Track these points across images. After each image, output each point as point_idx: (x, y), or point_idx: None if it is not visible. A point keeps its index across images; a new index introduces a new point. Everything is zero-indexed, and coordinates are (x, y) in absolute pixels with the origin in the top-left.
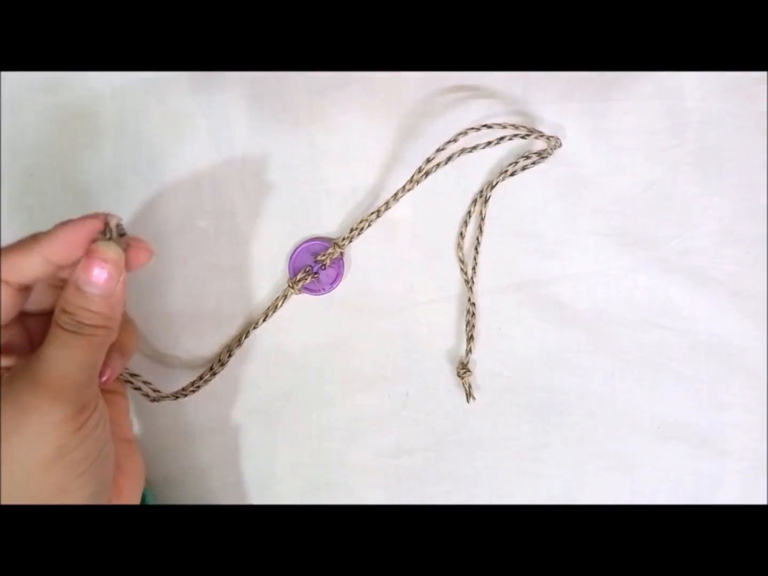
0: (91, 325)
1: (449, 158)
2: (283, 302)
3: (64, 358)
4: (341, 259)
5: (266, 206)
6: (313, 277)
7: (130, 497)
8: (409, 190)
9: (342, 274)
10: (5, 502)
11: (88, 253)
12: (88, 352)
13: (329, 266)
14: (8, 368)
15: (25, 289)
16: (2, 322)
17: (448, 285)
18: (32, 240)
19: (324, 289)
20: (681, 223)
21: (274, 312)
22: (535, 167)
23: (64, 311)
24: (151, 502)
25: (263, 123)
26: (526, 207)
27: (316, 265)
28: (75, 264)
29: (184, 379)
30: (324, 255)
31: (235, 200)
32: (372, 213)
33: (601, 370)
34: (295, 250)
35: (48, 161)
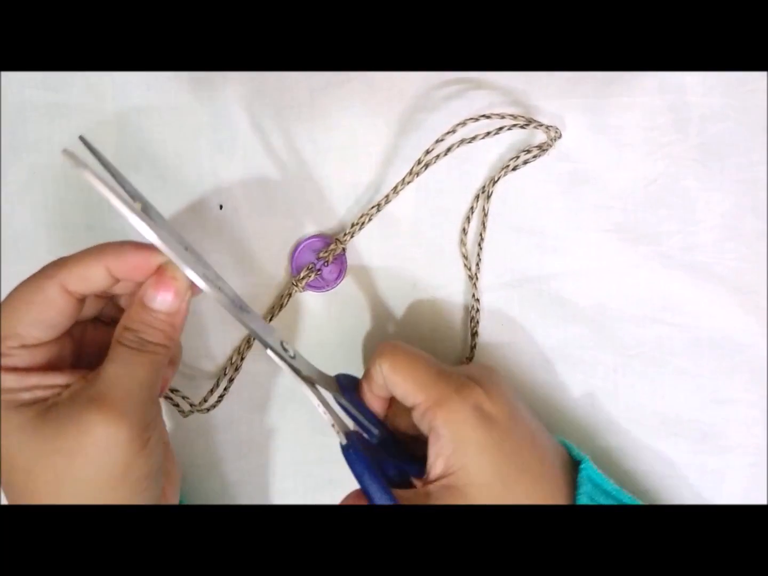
0: (154, 343)
1: (449, 149)
2: (288, 300)
3: (128, 376)
4: (344, 255)
5: (268, 203)
6: (316, 274)
7: (173, 501)
8: (408, 182)
9: (345, 270)
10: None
11: (159, 272)
12: (150, 369)
13: (332, 262)
14: (66, 386)
15: (82, 300)
16: (58, 333)
17: (451, 281)
18: (99, 252)
19: (328, 286)
20: (683, 218)
21: (279, 311)
22: (537, 163)
23: (128, 329)
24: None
25: (265, 120)
26: (528, 203)
27: (318, 262)
28: (136, 280)
29: (189, 383)
30: (326, 251)
31: (237, 198)
32: (372, 207)
33: (603, 366)
34: (297, 248)
35: (49, 159)
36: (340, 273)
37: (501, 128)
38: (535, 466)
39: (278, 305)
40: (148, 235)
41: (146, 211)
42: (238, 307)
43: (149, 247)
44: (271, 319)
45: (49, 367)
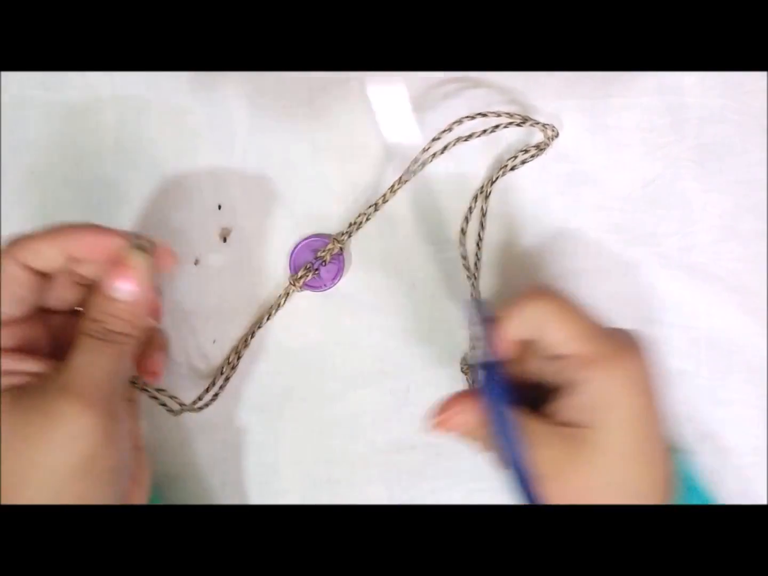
0: (119, 333)
1: (445, 147)
2: (285, 300)
3: (94, 365)
4: (341, 254)
5: (267, 203)
6: (314, 274)
7: (145, 497)
8: (406, 181)
9: (342, 270)
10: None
11: (117, 261)
12: (116, 359)
13: (330, 262)
14: (37, 374)
15: (45, 278)
16: (23, 309)
17: (449, 281)
18: (56, 230)
19: (325, 285)
20: (681, 219)
21: (277, 310)
22: (535, 163)
23: (92, 319)
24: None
25: (264, 120)
26: (526, 203)
27: (316, 262)
28: (95, 261)
29: (187, 382)
30: (324, 251)
31: (236, 197)
32: (370, 207)
33: None
34: (295, 247)
35: (48, 159)
36: (338, 272)
37: (497, 126)
38: (663, 450)
39: (276, 304)
40: None
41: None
42: None
43: (107, 231)
44: (268, 318)
45: (21, 351)
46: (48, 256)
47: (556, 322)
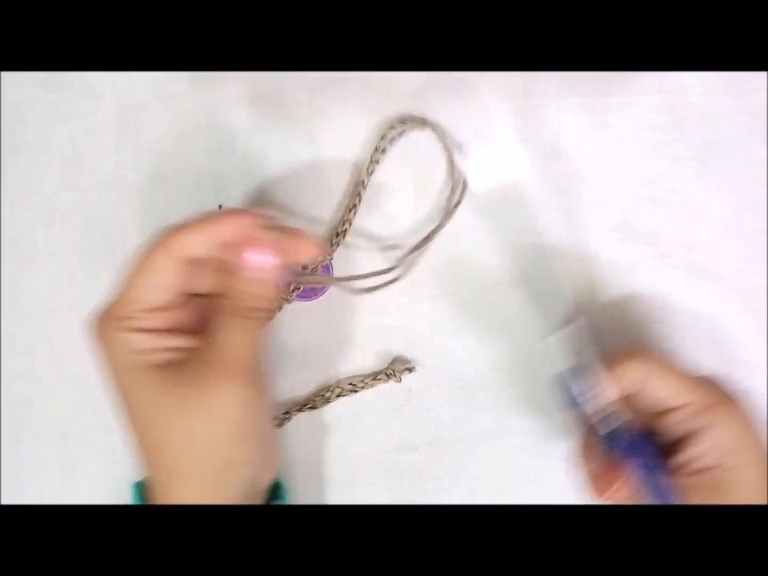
0: (256, 308)
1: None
2: (277, 312)
3: (240, 342)
4: (330, 264)
5: (267, 203)
6: (303, 287)
7: (273, 471)
8: (359, 193)
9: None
10: (186, 471)
11: (250, 241)
12: (254, 333)
13: (319, 271)
14: (184, 349)
15: (191, 266)
16: (173, 296)
17: (449, 281)
18: (205, 220)
19: (315, 295)
20: (682, 217)
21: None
22: (536, 162)
23: (231, 298)
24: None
25: (263, 119)
26: (527, 202)
27: (304, 272)
28: (236, 245)
29: None
30: (314, 264)
31: (236, 197)
32: (350, 210)
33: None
34: None
35: (48, 159)
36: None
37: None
38: None
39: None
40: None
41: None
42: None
43: (243, 212)
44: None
45: (174, 331)
46: (198, 245)
47: (658, 378)
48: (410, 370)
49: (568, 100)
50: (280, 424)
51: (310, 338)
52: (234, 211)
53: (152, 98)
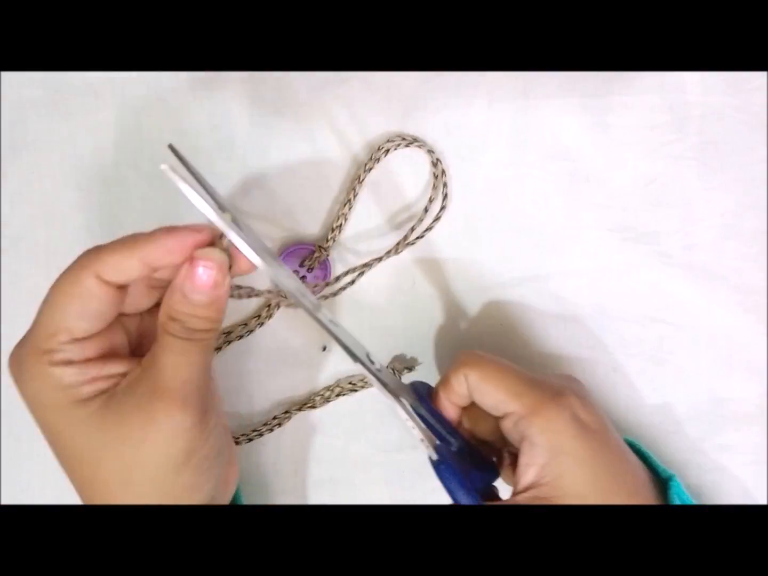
0: (201, 330)
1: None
2: (276, 310)
3: (184, 365)
4: (328, 260)
5: (267, 203)
6: (301, 281)
7: (233, 487)
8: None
9: (330, 275)
10: (139, 503)
11: (192, 260)
12: (202, 355)
13: (317, 268)
14: (115, 375)
15: (122, 289)
16: (104, 323)
17: (449, 280)
18: (132, 241)
19: (313, 292)
20: (682, 217)
21: (269, 319)
22: (537, 162)
23: (173, 319)
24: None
25: (263, 119)
26: (527, 202)
27: (302, 270)
28: (173, 266)
29: None
30: (311, 259)
31: (236, 197)
32: (344, 205)
33: (603, 365)
34: (278, 258)
35: (49, 158)
36: (325, 278)
37: (389, 149)
38: (630, 481)
39: (267, 315)
40: (244, 248)
41: (235, 221)
42: (330, 320)
43: (182, 232)
44: (261, 325)
45: (104, 357)
46: (127, 268)
47: (486, 385)
48: (410, 368)
49: (569, 99)
50: (280, 424)
51: (309, 338)
52: (169, 230)
53: (152, 98)
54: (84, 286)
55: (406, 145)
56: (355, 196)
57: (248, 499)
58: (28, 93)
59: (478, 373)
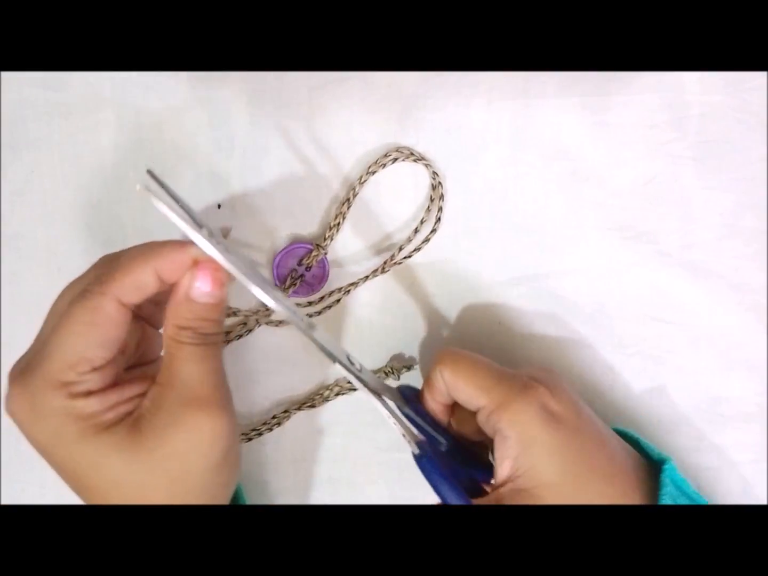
0: (212, 333)
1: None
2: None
3: (208, 371)
4: (326, 258)
5: (267, 202)
6: (300, 281)
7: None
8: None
9: (328, 273)
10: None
11: (201, 266)
12: (219, 358)
13: (314, 267)
14: (140, 395)
15: (135, 309)
16: (119, 347)
17: (448, 279)
18: (143, 258)
19: (312, 290)
20: (681, 216)
21: (266, 318)
22: (537, 161)
23: (184, 328)
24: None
25: (263, 118)
26: (527, 201)
27: (300, 268)
28: (179, 275)
29: None
30: (309, 258)
31: (236, 197)
32: (343, 204)
33: (602, 364)
34: (276, 257)
35: (48, 158)
36: (324, 276)
37: (396, 159)
38: (605, 466)
39: (265, 314)
40: (226, 264)
41: (213, 236)
42: (306, 323)
43: (189, 243)
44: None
45: (118, 381)
46: (145, 287)
47: (460, 380)
48: (408, 368)
49: (568, 99)
50: (280, 423)
51: (299, 341)
52: (178, 244)
53: (152, 98)
54: (105, 313)
55: (414, 161)
56: (354, 196)
57: (248, 499)
58: (28, 93)
59: (451, 369)
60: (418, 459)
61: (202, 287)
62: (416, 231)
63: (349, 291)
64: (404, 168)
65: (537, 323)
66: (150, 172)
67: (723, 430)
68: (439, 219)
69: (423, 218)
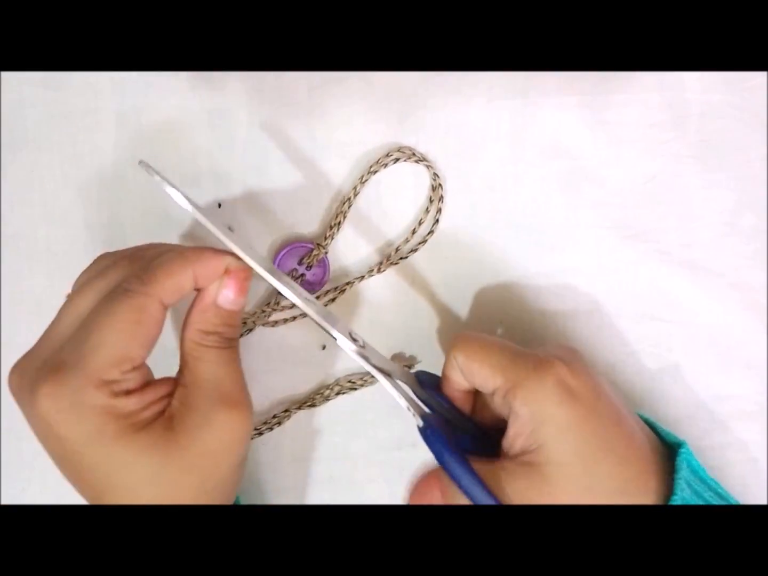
0: (232, 338)
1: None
2: (277, 308)
3: (235, 372)
4: (326, 258)
5: (267, 201)
6: (301, 280)
7: None
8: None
9: (329, 272)
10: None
11: (233, 274)
12: (239, 360)
13: (315, 266)
14: (168, 395)
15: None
16: (150, 350)
17: (449, 278)
18: (184, 261)
19: (313, 290)
20: (681, 215)
21: (269, 317)
22: (536, 160)
23: (210, 332)
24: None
25: (263, 117)
26: (526, 200)
27: (301, 267)
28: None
29: None
30: (310, 257)
31: (236, 196)
32: (344, 203)
33: (602, 362)
34: (277, 257)
35: (49, 157)
36: (324, 275)
37: (398, 159)
38: (621, 447)
39: (268, 313)
40: (237, 250)
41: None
42: (306, 299)
43: (224, 252)
44: (263, 324)
45: (150, 381)
46: (185, 289)
47: (474, 362)
48: (410, 366)
49: (568, 97)
50: (280, 422)
51: (309, 336)
52: (214, 251)
53: (152, 98)
54: (149, 313)
55: (415, 161)
56: (356, 195)
57: (248, 499)
58: (28, 93)
59: (463, 352)
60: (423, 431)
61: (229, 295)
62: (414, 232)
63: (344, 290)
64: (405, 168)
65: (537, 322)
66: (143, 163)
67: (723, 429)
68: (437, 221)
69: (421, 219)
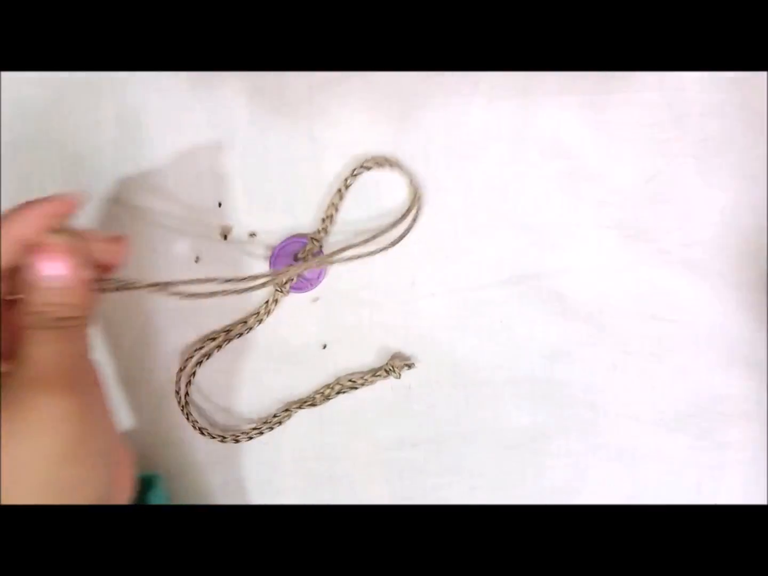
0: (65, 318)
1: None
2: (275, 306)
3: (54, 353)
4: (321, 252)
5: (267, 201)
6: (298, 277)
7: (129, 489)
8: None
9: (326, 268)
10: (25, 501)
11: (37, 249)
12: (72, 341)
13: (310, 258)
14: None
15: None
16: None
17: (449, 278)
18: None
19: (311, 285)
20: (681, 214)
21: (267, 316)
22: (536, 159)
23: (35, 312)
24: (159, 487)
25: (263, 117)
26: (527, 199)
27: (297, 263)
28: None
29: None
30: (304, 252)
31: (237, 195)
32: (336, 194)
33: (602, 363)
34: (273, 254)
35: (48, 156)
36: (322, 270)
37: (370, 167)
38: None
39: (266, 312)
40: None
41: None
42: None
43: (42, 202)
44: (260, 322)
45: None
46: (9, 250)
47: None
48: (410, 366)
49: (568, 97)
50: (281, 422)
51: (309, 335)
52: (30, 205)
53: (152, 94)
54: None
55: (390, 168)
56: (347, 187)
57: (248, 498)
58: (28, 93)
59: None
60: None
61: (42, 272)
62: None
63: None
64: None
65: (537, 322)
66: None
67: (723, 429)
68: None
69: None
